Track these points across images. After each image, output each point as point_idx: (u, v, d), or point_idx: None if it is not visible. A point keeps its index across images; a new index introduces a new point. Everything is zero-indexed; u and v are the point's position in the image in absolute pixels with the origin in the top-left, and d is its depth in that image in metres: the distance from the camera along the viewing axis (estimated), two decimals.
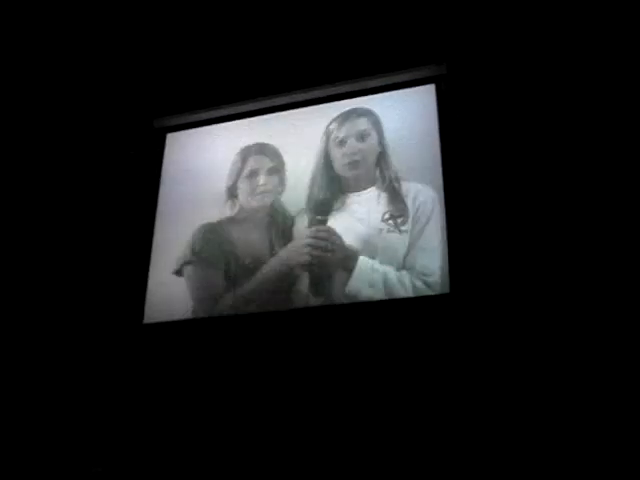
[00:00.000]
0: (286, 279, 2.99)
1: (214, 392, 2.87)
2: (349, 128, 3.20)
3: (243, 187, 3.27)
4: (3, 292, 3.31)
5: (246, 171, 3.29)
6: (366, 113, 3.22)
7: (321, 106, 3.31)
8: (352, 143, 3.16)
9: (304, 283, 2.96)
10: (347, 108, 3.25)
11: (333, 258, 2.95)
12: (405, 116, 3.15)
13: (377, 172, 3.07)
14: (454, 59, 3.11)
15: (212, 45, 3.53)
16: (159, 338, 3.08)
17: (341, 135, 3.20)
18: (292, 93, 3.36)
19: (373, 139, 3.15)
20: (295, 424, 2.71)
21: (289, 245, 3.06)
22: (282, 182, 3.22)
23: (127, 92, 3.62)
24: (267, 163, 3.28)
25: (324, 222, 3.03)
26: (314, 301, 2.92)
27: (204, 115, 3.52)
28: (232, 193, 3.28)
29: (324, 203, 3.08)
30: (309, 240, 3.01)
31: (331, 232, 3.00)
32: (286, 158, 3.25)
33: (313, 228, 3.04)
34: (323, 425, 2.67)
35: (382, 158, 3.09)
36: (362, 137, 3.16)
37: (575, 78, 2.89)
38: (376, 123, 3.17)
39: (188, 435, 2.81)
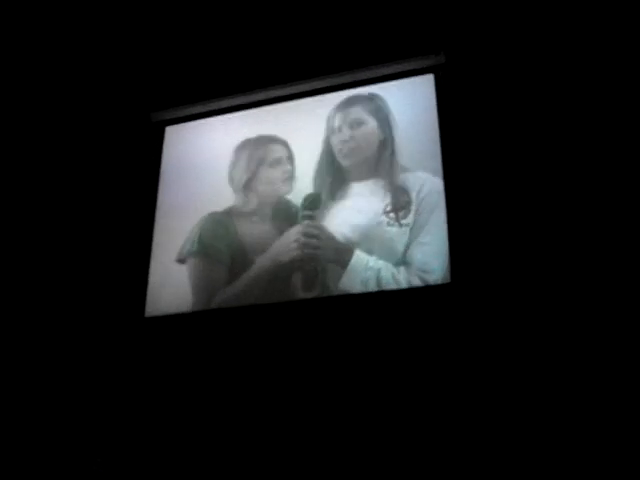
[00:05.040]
0: (278, 275, 2.97)
1: (215, 385, 2.87)
2: (344, 116, 3.17)
3: (265, 176, 3.21)
4: (3, 286, 3.31)
5: (270, 158, 3.24)
6: (362, 101, 3.18)
7: (320, 97, 3.28)
8: (345, 131, 3.13)
9: (296, 279, 2.94)
10: (346, 96, 3.22)
11: (323, 255, 2.92)
12: (404, 106, 3.11)
13: (379, 161, 3.03)
14: (452, 49, 3.08)
15: (209, 37, 3.51)
16: (160, 331, 3.08)
17: (336, 123, 3.17)
18: (290, 84, 3.33)
19: (369, 127, 3.11)
20: (298, 417, 2.71)
21: (278, 242, 3.03)
22: (293, 173, 3.18)
23: (124, 86, 3.60)
24: (284, 152, 3.23)
25: (312, 217, 3.00)
26: (305, 296, 2.90)
27: (202, 108, 3.49)
28: (248, 185, 3.22)
29: (313, 198, 3.05)
30: (298, 237, 2.99)
31: (321, 229, 2.98)
32: (292, 149, 3.23)
33: (305, 222, 3.01)
34: (326, 418, 2.67)
35: (384, 147, 3.05)
36: (356, 125, 3.13)
37: (574, 66, 2.86)
38: (376, 111, 3.13)
39: (189, 428, 2.81)
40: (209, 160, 3.38)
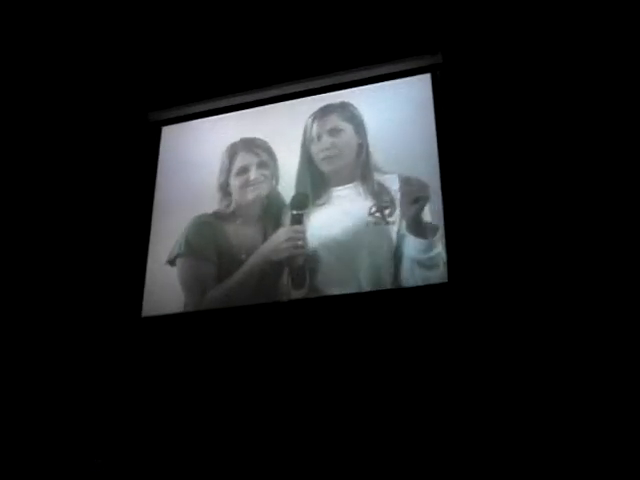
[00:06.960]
0: (269, 273, 3.00)
1: (212, 385, 2.87)
2: (322, 125, 3.21)
3: (235, 183, 3.26)
4: (1, 286, 3.31)
5: (235, 169, 3.29)
6: (336, 109, 3.23)
7: (315, 97, 3.29)
8: (325, 139, 3.17)
9: (286, 277, 2.97)
10: (324, 103, 3.26)
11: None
12: (400, 106, 3.13)
13: (359, 165, 3.07)
14: (449, 48, 3.09)
15: (206, 37, 3.51)
16: (157, 331, 3.08)
17: (315, 132, 3.21)
18: (286, 84, 3.34)
19: (347, 134, 3.16)
20: (294, 416, 2.71)
21: (269, 242, 3.07)
22: (274, 174, 3.21)
23: (121, 86, 3.60)
24: (254, 158, 3.28)
25: (300, 216, 3.04)
26: (295, 294, 2.93)
27: (199, 108, 3.50)
28: (225, 190, 3.27)
29: (301, 198, 3.09)
30: (289, 236, 3.03)
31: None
32: (278, 150, 3.25)
33: (294, 222, 3.04)
34: (322, 418, 2.66)
35: (362, 151, 3.09)
36: (335, 132, 3.18)
37: (572, 66, 2.86)
38: (352, 118, 3.18)
39: (187, 427, 2.81)
40: (206, 160, 3.38)
